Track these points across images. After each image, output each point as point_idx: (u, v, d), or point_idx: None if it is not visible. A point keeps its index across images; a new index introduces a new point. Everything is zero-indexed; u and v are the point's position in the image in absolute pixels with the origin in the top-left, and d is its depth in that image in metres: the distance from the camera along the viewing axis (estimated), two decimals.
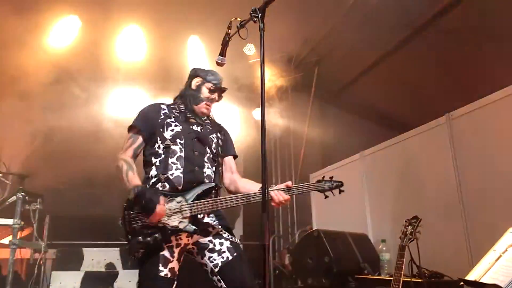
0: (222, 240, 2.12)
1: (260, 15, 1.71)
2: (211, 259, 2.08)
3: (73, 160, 5.52)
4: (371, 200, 4.46)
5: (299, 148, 6.69)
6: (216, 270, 2.06)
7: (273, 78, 6.51)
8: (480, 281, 1.90)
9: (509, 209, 2.89)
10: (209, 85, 2.33)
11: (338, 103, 6.41)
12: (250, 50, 5.57)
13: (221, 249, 2.10)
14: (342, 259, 3.63)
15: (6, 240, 4.08)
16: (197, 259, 2.15)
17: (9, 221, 3.89)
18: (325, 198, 2.16)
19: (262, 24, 1.70)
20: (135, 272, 4.90)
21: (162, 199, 1.96)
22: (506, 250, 1.92)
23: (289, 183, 2.10)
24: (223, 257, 2.08)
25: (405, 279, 2.75)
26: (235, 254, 2.09)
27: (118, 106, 5.72)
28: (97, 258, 4.90)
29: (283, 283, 5.23)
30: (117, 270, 4.90)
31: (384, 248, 3.66)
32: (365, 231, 4.37)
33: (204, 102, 2.31)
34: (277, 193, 2.04)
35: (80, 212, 5.51)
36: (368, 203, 4.48)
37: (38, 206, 4.36)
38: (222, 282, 2.04)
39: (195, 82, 2.36)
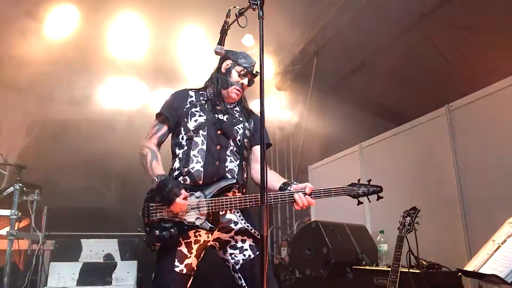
0: (245, 237, 2.05)
1: (259, 2, 1.69)
2: (232, 255, 2.04)
3: (71, 151, 5.50)
4: None
5: (298, 139, 6.68)
6: (237, 267, 2.02)
7: (272, 70, 6.48)
8: (479, 271, 1.90)
9: (508, 200, 2.89)
10: (239, 68, 2.20)
11: (337, 94, 6.38)
12: (249, 40, 5.51)
13: (243, 246, 2.04)
14: (340, 250, 3.63)
15: (3, 231, 4.07)
16: (219, 254, 2.11)
17: (7, 212, 3.88)
18: (358, 204, 1.98)
19: (261, 12, 1.67)
20: (133, 263, 4.97)
21: (183, 192, 1.91)
22: (505, 241, 1.92)
23: (310, 185, 1.97)
24: (244, 255, 2.02)
25: (403, 270, 2.76)
26: (257, 252, 2.02)
27: (116, 96, 5.69)
28: (96, 249, 4.90)
29: (282, 274, 5.25)
30: (115, 261, 4.91)
31: (382, 239, 3.66)
32: (363, 222, 4.38)
33: (234, 87, 2.19)
34: (302, 197, 1.93)
35: (78, 203, 5.51)
36: None
37: (36, 197, 4.35)
38: (242, 280, 2.00)
39: (225, 64, 2.24)
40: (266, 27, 1.67)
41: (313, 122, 6.33)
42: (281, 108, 6.50)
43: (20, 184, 4.06)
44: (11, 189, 4.05)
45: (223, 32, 2.08)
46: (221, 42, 2.12)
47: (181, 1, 4.78)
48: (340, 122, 5.80)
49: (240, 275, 2.02)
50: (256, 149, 2.28)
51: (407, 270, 2.80)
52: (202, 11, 4.87)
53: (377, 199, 1.96)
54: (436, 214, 3.48)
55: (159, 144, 2.17)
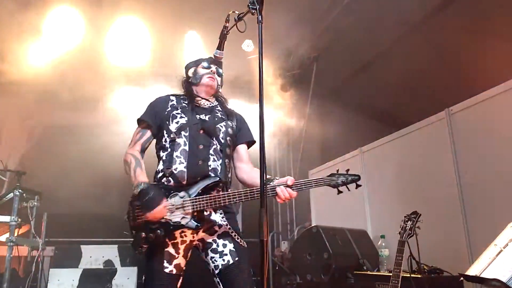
0: (226, 242, 2.05)
1: (258, 7, 1.68)
2: (213, 259, 2.04)
3: (71, 158, 5.50)
4: (370, 196, 4.45)
5: (298, 144, 6.67)
6: (216, 272, 2.02)
7: (272, 75, 6.48)
8: (481, 276, 1.89)
9: (509, 204, 2.89)
10: (201, 64, 2.31)
11: (337, 99, 6.38)
12: (249, 46, 5.52)
13: (223, 251, 2.03)
14: (341, 255, 3.62)
15: (3, 238, 4.06)
16: (202, 256, 2.11)
17: (6, 218, 3.87)
18: (338, 193, 1.98)
19: (260, 16, 1.67)
20: (133, 269, 4.96)
21: (164, 200, 1.93)
22: (507, 245, 1.91)
23: (291, 178, 1.96)
24: (224, 260, 2.02)
25: (405, 275, 2.75)
26: (236, 258, 2.02)
27: (115, 103, 5.69)
28: (95, 255, 4.89)
29: (282, 279, 5.23)
30: (115, 267, 4.89)
31: (383, 244, 3.65)
32: (364, 227, 4.36)
33: (205, 75, 2.26)
34: (283, 189, 1.93)
35: (78, 209, 5.49)
36: (367, 199, 4.47)
37: (35, 203, 4.34)
38: (221, 285, 2.00)
39: (191, 71, 2.35)
40: (265, 33, 1.67)
41: (313, 127, 6.33)
42: (281, 113, 6.50)
43: (20, 190, 4.05)
44: (11, 195, 4.05)
45: (223, 37, 2.09)
46: (220, 47, 2.13)
47: (182, 7, 4.79)
48: (340, 126, 5.80)
49: (218, 280, 2.02)
50: (240, 148, 2.30)
51: (409, 275, 2.79)
52: (202, 17, 4.89)
53: (356, 187, 1.97)
54: (437, 218, 3.46)
55: (143, 151, 2.19)
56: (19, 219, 3.94)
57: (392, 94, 5.37)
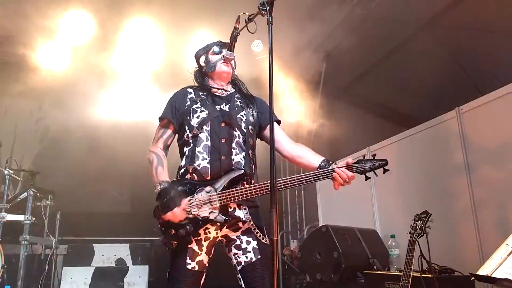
0: (250, 239, 2.05)
1: (268, 8, 1.69)
2: (236, 255, 2.04)
3: (83, 158, 5.57)
4: (379, 195, 4.44)
5: (307, 143, 6.65)
6: (238, 268, 2.03)
7: (281, 74, 6.48)
8: (492, 276, 1.88)
9: None
10: (213, 49, 2.26)
11: (346, 98, 6.37)
12: (258, 46, 5.55)
13: (246, 248, 2.03)
14: (351, 254, 3.61)
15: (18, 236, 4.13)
16: (226, 251, 2.12)
17: (21, 217, 3.94)
18: (366, 180, 1.96)
19: (270, 18, 1.68)
20: (145, 268, 5.01)
21: (184, 201, 1.93)
22: None
23: (350, 160, 1.97)
24: (247, 257, 2.02)
25: (415, 275, 2.74)
26: (259, 256, 2.02)
27: (128, 102, 5.74)
28: (108, 253, 4.95)
29: (292, 278, 5.24)
30: (127, 265, 4.95)
31: (394, 243, 3.64)
32: (373, 226, 4.35)
33: (218, 61, 2.21)
34: (340, 171, 1.94)
35: (90, 208, 5.57)
36: (376, 199, 4.46)
37: (49, 202, 4.42)
38: (242, 282, 2.01)
39: (202, 60, 2.31)
40: (275, 33, 1.68)
41: (322, 126, 6.32)
42: (290, 112, 6.50)
43: (33, 190, 4.13)
44: (25, 194, 4.13)
45: (233, 38, 2.10)
46: (231, 48, 2.14)
47: (192, 8, 4.81)
48: (349, 125, 5.79)
49: (240, 276, 2.02)
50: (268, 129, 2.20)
51: (419, 275, 2.78)
52: (213, 17, 4.91)
53: (384, 172, 1.94)
54: (448, 218, 3.45)
55: (166, 147, 2.19)
56: (33, 218, 4.02)
57: (402, 93, 5.35)
